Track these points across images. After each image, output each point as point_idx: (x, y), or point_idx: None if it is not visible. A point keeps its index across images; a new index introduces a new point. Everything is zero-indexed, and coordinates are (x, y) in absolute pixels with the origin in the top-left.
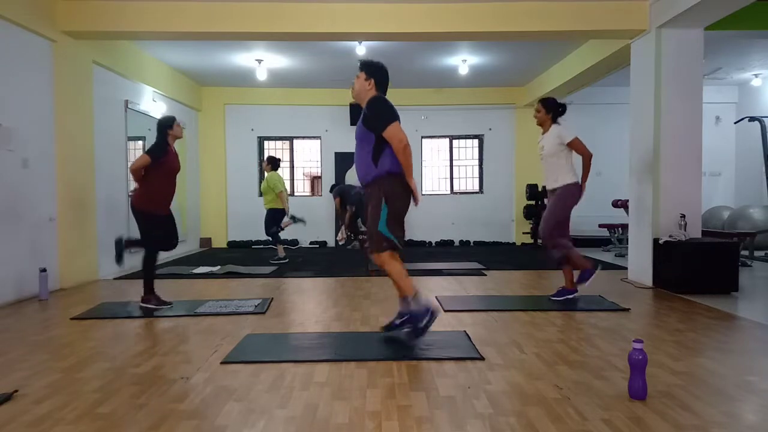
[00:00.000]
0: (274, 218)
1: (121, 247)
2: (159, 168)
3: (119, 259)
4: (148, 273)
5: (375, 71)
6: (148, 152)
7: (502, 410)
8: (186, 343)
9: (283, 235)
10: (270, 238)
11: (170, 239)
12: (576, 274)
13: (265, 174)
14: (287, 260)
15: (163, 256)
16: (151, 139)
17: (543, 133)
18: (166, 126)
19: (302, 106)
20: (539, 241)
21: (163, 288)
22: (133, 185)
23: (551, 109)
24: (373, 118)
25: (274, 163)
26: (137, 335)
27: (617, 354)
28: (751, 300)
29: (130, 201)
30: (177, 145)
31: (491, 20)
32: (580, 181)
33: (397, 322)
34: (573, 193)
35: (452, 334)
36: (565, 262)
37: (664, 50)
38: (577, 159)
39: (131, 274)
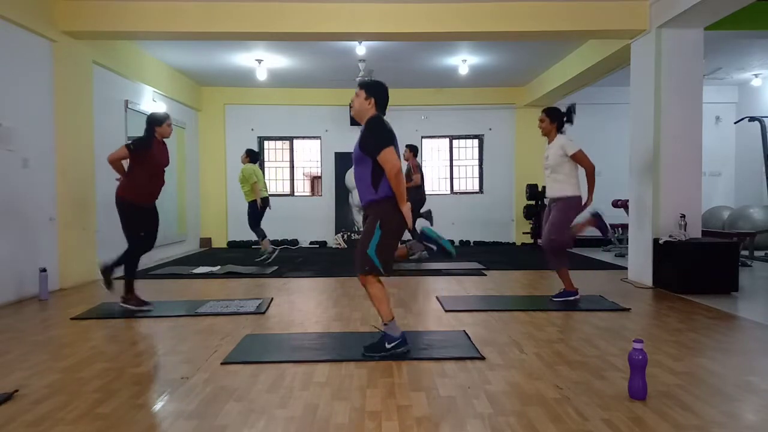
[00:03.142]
0: (253, 212)
1: (108, 273)
2: (144, 162)
3: (109, 285)
4: (129, 272)
5: (375, 91)
6: (127, 145)
7: (502, 410)
8: (186, 343)
9: (283, 234)
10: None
11: (149, 238)
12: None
13: (242, 165)
14: (276, 252)
15: (164, 256)
16: None
17: (549, 143)
18: (154, 123)
19: (302, 106)
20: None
21: (163, 288)
22: (116, 174)
23: (556, 119)
24: (369, 140)
25: (252, 156)
26: (137, 335)
27: (617, 354)
28: (751, 300)
29: (116, 192)
30: (177, 145)
31: (491, 20)
32: (581, 194)
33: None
34: (575, 206)
35: (452, 334)
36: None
37: (664, 50)
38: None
39: None
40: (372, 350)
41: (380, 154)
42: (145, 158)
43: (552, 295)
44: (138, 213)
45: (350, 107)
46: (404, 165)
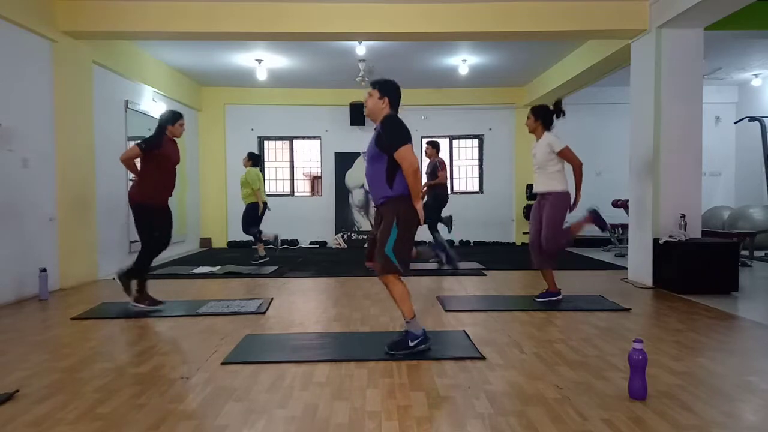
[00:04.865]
0: (252, 214)
1: (125, 279)
2: (154, 160)
3: (128, 291)
4: (142, 274)
5: (389, 90)
6: (138, 144)
7: (502, 410)
8: (186, 343)
9: (283, 234)
10: (251, 236)
11: (163, 238)
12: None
13: (245, 169)
14: (267, 259)
15: (163, 257)
16: None
17: (536, 140)
18: (165, 122)
19: (302, 106)
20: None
21: (163, 288)
22: (131, 175)
23: (540, 116)
24: (386, 138)
25: (255, 159)
26: (137, 335)
27: (617, 354)
28: (751, 300)
29: (128, 194)
30: (178, 143)
31: (491, 20)
32: (570, 189)
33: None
34: (564, 201)
35: (452, 334)
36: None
37: (664, 50)
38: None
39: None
40: (395, 348)
41: (398, 152)
42: (156, 157)
43: (535, 295)
44: (151, 214)
45: (363, 107)
46: (425, 163)
